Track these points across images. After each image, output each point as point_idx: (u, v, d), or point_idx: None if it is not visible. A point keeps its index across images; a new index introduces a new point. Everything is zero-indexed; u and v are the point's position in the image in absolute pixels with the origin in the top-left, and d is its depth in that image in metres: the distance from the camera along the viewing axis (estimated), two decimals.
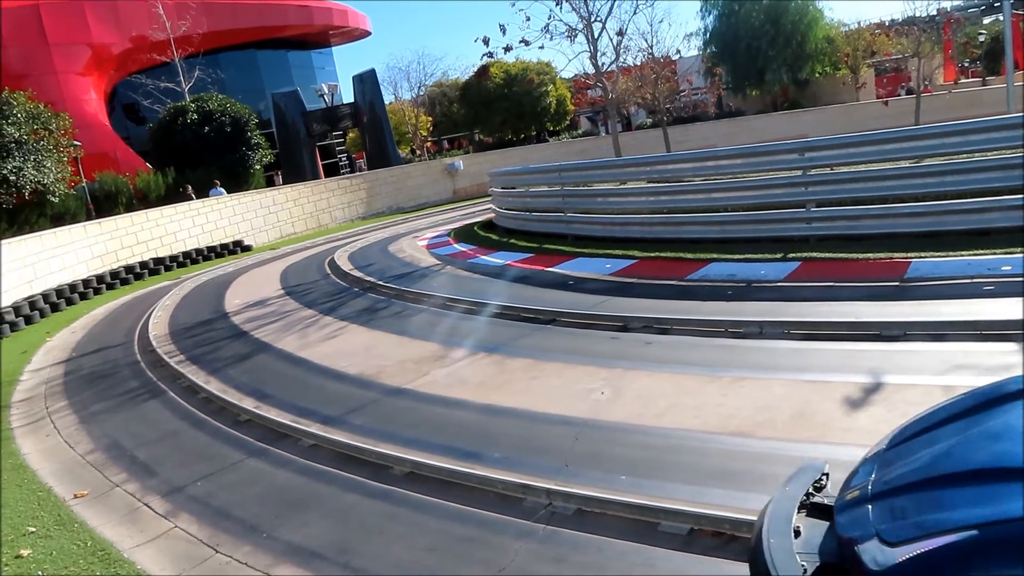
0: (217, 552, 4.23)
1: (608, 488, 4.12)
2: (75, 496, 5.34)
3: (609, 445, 4.76)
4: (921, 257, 7.95)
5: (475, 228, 17.91)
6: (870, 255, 8.47)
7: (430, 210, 28.34)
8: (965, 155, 8.80)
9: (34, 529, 4.86)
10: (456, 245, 15.62)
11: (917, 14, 31.33)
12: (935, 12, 30.94)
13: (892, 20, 37.73)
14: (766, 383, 5.35)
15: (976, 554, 1.74)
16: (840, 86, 39.91)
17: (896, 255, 8.22)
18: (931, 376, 5.00)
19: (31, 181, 18.19)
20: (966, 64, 48.72)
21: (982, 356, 5.21)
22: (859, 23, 40.09)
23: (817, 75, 39.58)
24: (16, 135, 17.78)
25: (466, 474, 4.57)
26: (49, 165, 18.93)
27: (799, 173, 9.98)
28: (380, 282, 12.11)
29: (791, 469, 3.95)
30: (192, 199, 23.00)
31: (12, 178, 17.48)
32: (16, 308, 13.77)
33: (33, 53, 31.01)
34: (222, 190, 23.77)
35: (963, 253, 7.78)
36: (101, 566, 4.25)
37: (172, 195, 23.92)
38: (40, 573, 4.26)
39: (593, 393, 5.69)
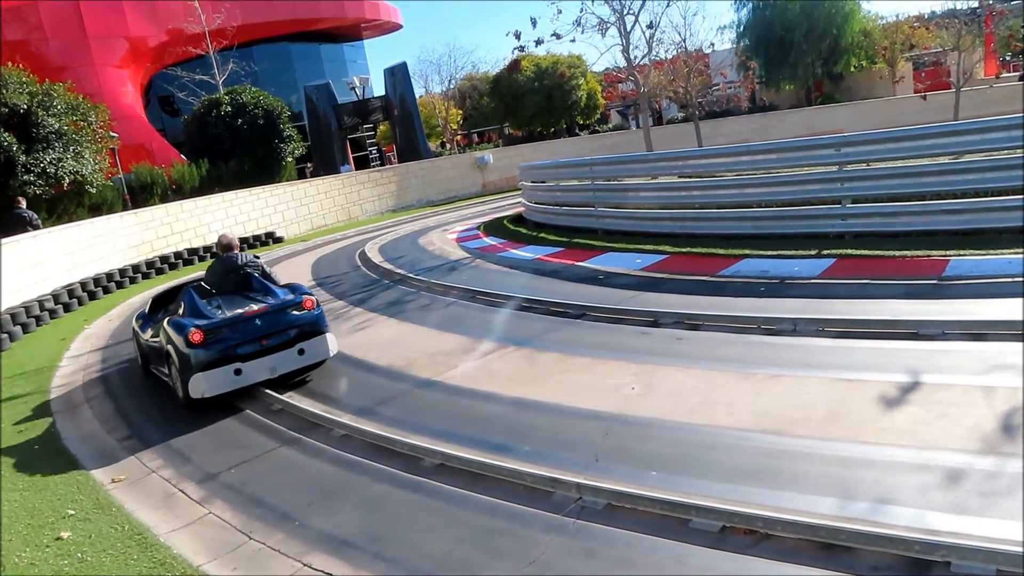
0: (250, 539, 4.29)
1: (639, 484, 4.10)
2: (113, 481, 5.46)
3: (639, 440, 4.74)
4: (960, 255, 7.78)
5: (504, 222, 17.91)
6: (907, 253, 8.30)
7: (459, 203, 28.40)
8: (1006, 151, 8.59)
9: (73, 512, 4.98)
10: (486, 239, 15.64)
11: (958, 7, 30.61)
12: (976, 4, 30.18)
13: (932, 13, 36.92)
14: (800, 381, 5.28)
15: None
16: (877, 80, 39.21)
17: (934, 253, 8.05)
18: (969, 376, 4.90)
19: (70, 172, 18.54)
20: (1007, 58, 47.50)
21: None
22: (897, 16, 39.31)
23: (853, 69, 38.86)
24: (56, 126, 18.12)
25: (496, 467, 4.57)
26: (88, 156, 19.26)
27: (835, 169, 9.82)
28: (410, 274, 12.17)
29: (826, 468, 3.96)
30: (352, 170, 28.50)
31: (51, 170, 17.82)
32: (55, 296, 14.08)
33: (72, 45, 31.61)
34: (350, 166, 25.48)
35: (1003, 251, 7.60)
36: (138, 550, 4.34)
37: (206, 186, 24.31)
38: (79, 555, 4.36)
39: (623, 388, 5.66)
